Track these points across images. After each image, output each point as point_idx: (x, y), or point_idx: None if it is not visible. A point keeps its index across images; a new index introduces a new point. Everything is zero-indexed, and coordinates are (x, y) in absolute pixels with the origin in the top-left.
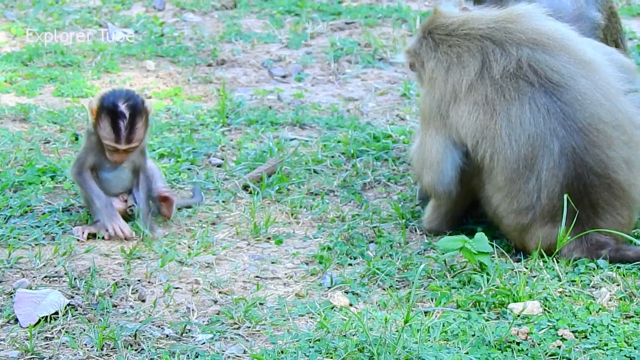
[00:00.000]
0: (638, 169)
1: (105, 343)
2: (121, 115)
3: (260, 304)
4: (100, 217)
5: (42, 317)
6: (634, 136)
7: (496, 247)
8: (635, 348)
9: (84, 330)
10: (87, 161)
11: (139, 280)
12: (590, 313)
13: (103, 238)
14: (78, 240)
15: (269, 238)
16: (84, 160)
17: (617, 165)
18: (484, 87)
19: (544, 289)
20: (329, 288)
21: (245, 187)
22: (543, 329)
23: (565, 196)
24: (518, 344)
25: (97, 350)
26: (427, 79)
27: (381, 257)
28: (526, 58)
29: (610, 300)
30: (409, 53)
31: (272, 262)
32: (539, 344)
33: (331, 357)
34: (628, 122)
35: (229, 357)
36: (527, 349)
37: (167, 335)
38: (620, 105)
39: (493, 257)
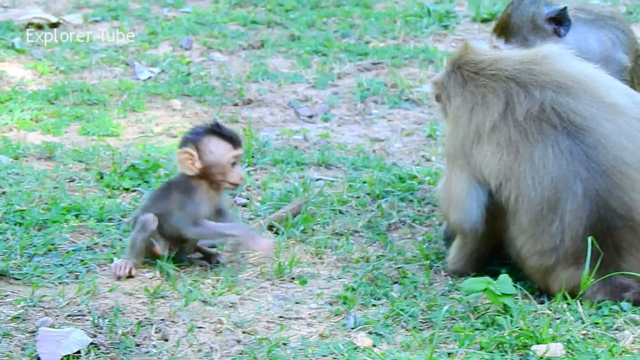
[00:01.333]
0: None
1: None
2: (220, 125)
3: (284, 344)
4: (243, 240)
5: (65, 356)
6: None
7: (520, 288)
8: None
9: None
10: (199, 212)
11: (162, 320)
12: (613, 355)
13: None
14: (119, 278)
15: (293, 278)
16: (195, 213)
17: None
18: (507, 128)
19: (567, 331)
20: (353, 329)
21: (270, 227)
22: None
23: (590, 238)
24: None
25: None
26: (452, 116)
27: (405, 298)
28: (549, 101)
29: (633, 342)
30: (436, 85)
31: (296, 303)
32: None
33: None
34: None
35: None
36: None
37: None
38: None
39: (517, 298)
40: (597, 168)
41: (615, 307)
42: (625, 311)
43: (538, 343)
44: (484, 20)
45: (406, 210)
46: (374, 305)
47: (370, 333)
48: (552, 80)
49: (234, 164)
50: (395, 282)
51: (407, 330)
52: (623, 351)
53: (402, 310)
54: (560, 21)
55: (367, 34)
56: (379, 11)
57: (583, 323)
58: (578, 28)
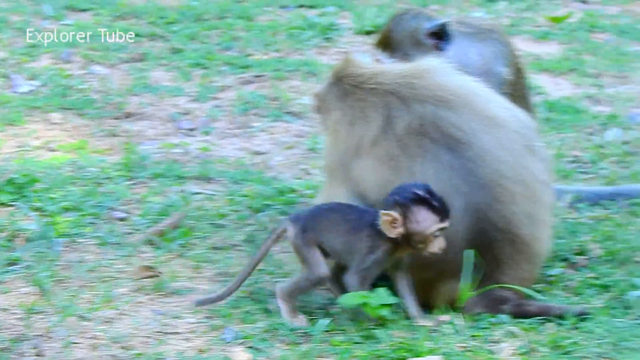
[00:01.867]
0: (541, 223)
1: None
2: (432, 193)
3: (160, 359)
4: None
5: None
6: (537, 191)
7: (399, 302)
8: None
9: None
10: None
11: (38, 335)
12: None
13: None
14: None
15: (171, 293)
16: (369, 270)
17: (519, 221)
18: (387, 143)
19: (445, 343)
20: (230, 343)
21: (149, 242)
22: None
23: (469, 252)
24: None
25: None
26: (331, 129)
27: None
28: (430, 115)
29: (511, 355)
30: (316, 97)
31: (174, 317)
32: None
33: None
34: (531, 177)
35: None
36: None
37: None
38: (524, 161)
39: (396, 311)
40: (477, 182)
41: (493, 319)
42: (503, 323)
43: (416, 356)
44: (368, 33)
45: None
46: (252, 319)
47: (248, 347)
48: (432, 94)
49: (437, 236)
50: (273, 296)
51: (286, 344)
52: None
53: (280, 324)
54: (441, 36)
55: (249, 47)
56: (262, 24)
57: (462, 335)
58: (459, 42)
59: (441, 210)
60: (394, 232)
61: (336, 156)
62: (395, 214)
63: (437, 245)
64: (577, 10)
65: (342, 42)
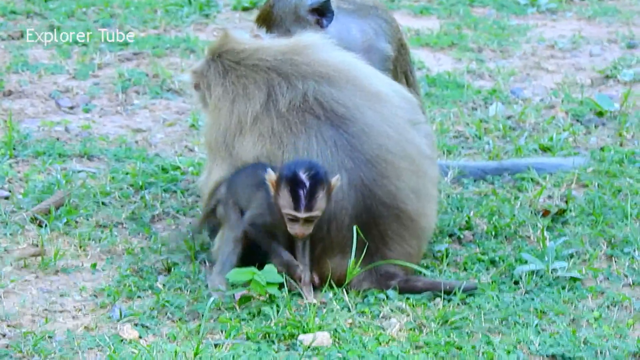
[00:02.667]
0: (427, 198)
1: None
2: (300, 184)
3: (49, 337)
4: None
5: None
6: (422, 166)
7: (286, 278)
8: None
9: None
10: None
11: None
12: (380, 344)
13: None
14: None
15: (57, 271)
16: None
17: (405, 196)
18: (269, 119)
19: (333, 320)
20: (118, 321)
21: (33, 220)
22: None
23: (355, 227)
24: None
25: None
26: (212, 106)
27: (170, 290)
28: (312, 92)
29: (400, 330)
30: (195, 73)
31: (61, 295)
32: None
33: None
34: (416, 152)
35: None
36: None
37: None
38: (408, 136)
39: (283, 288)
40: (362, 157)
41: (381, 295)
42: (391, 299)
43: (305, 332)
44: (245, 9)
45: (170, 201)
46: (139, 297)
47: (136, 325)
48: (314, 70)
49: (291, 220)
50: (160, 274)
51: (173, 321)
52: (390, 339)
53: (167, 301)
54: (322, 12)
55: (127, 24)
56: (139, 1)
57: (349, 312)
58: (341, 18)
59: (297, 201)
60: (272, 193)
61: (218, 133)
62: (273, 177)
63: (291, 230)
64: None
65: (220, 19)
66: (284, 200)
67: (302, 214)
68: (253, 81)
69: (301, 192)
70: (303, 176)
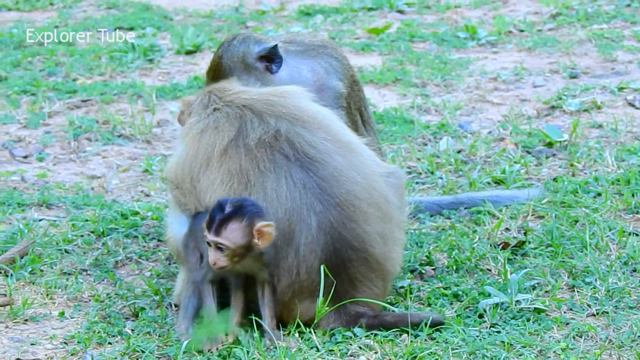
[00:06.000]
0: (392, 242)
1: None
2: (220, 208)
3: None
4: None
5: None
6: (388, 212)
7: (254, 319)
8: None
9: None
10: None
11: None
12: None
13: None
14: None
15: (26, 320)
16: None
17: (373, 240)
18: (238, 155)
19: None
20: None
21: None
22: None
23: (322, 267)
24: None
25: None
26: (183, 136)
27: (140, 334)
28: (285, 131)
29: None
30: (184, 102)
31: (32, 344)
32: None
33: None
34: (383, 199)
35: None
36: None
37: None
38: (375, 184)
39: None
40: (331, 201)
41: (348, 333)
42: (358, 337)
43: None
44: (188, 52)
45: (132, 246)
46: (109, 343)
47: None
48: (289, 112)
49: (208, 245)
50: (128, 319)
51: None
52: None
53: (138, 346)
54: (271, 58)
55: (73, 71)
56: (83, 48)
57: (318, 351)
58: (290, 61)
59: (210, 222)
60: None
61: (185, 165)
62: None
63: (209, 256)
64: (395, 20)
65: (165, 63)
66: (204, 223)
67: (211, 236)
68: (226, 115)
69: (217, 216)
70: (226, 203)
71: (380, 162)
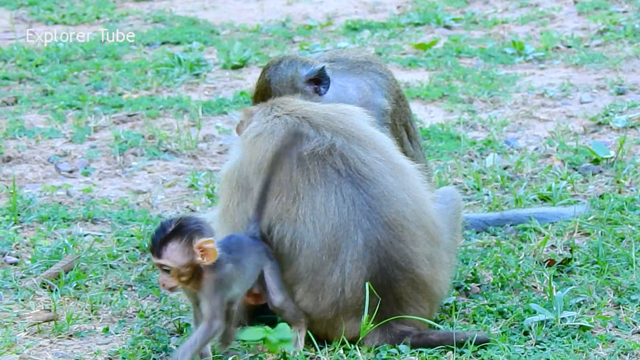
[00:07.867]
0: (440, 265)
1: None
2: (161, 229)
3: None
4: None
5: None
6: (436, 235)
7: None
8: None
9: None
10: None
11: None
12: None
13: None
14: None
15: (71, 335)
16: None
17: (420, 261)
18: (290, 165)
19: None
20: None
21: (44, 285)
22: None
23: (367, 284)
24: None
25: None
26: (241, 138)
27: None
28: (339, 145)
29: None
30: (245, 112)
31: (76, 359)
32: None
33: None
34: (431, 223)
35: None
36: None
37: None
38: (425, 208)
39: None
40: (379, 219)
41: (393, 350)
42: (403, 354)
43: None
44: (235, 67)
45: None
46: (154, 359)
47: None
48: (346, 129)
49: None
50: (173, 335)
51: None
52: None
53: None
54: (319, 81)
55: (119, 86)
56: (129, 62)
57: None
58: (336, 80)
59: (151, 245)
60: None
61: (242, 172)
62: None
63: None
64: (442, 36)
65: (211, 78)
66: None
67: (154, 258)
68: (284, 122)
69: (157, 237)
70: (167, 223)
71: (430, 187)
